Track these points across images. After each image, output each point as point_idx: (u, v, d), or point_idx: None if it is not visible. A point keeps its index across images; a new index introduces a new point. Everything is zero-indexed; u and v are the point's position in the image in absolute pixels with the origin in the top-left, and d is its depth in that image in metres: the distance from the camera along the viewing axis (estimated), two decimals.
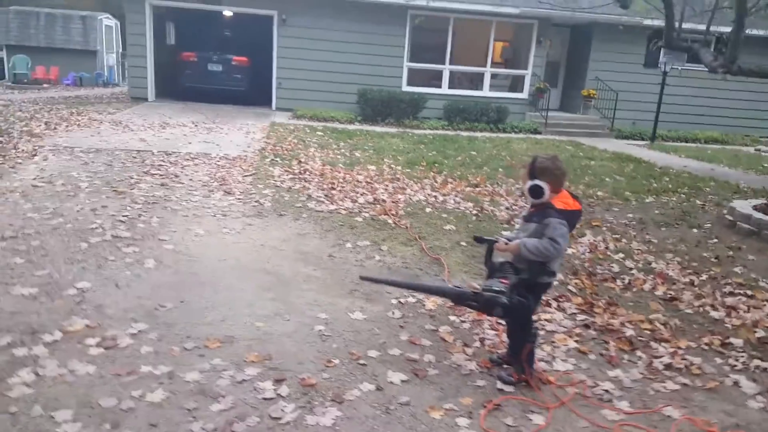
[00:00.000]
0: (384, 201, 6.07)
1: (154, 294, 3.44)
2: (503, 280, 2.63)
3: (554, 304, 3.77)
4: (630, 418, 2.56)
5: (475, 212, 5.96)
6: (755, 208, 6.08)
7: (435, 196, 6.49)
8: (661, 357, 3.14)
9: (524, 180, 2.68)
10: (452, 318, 3.43)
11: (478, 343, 3.16)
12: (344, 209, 5.64)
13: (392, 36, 14.15)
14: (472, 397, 2.63)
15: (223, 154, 8.13)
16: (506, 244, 2.73)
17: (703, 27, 6.78)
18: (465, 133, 12.83)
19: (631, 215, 6.42)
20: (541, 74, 15.25)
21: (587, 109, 15.75)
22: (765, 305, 4.00)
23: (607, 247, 5.07)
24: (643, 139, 14.70)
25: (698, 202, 7.37)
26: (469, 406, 2.56)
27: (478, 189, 7.06)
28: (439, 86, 14.81)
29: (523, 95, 15.18)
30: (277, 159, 8.04)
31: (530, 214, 2.71)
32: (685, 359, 3.14)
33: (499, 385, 2.73)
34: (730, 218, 6.03)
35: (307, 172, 7.25)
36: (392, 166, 8.19)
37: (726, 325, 3.66)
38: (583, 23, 15.18)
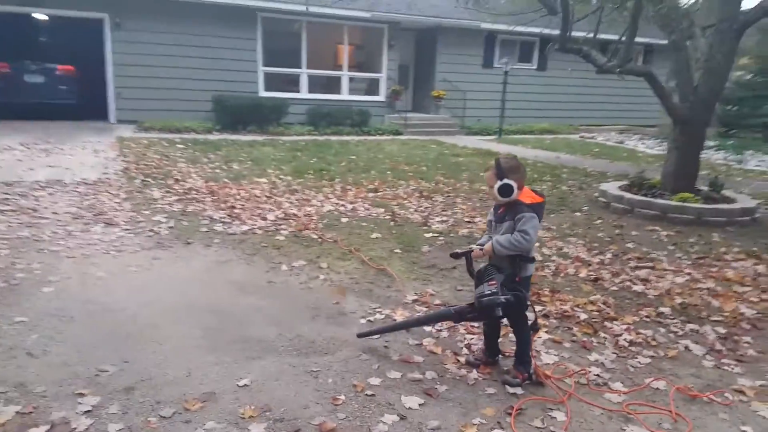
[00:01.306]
0: (296, 215, 5.80)
1: (84, 357, 2.88)
2: (491, 283, 2.68)
3: None
4: (629, 397, 2.76)
5: (387, 217, 5.98)
6: (621, 188, 6.99)
7: (343, 205, 6.38)
8: (620, 335, 3.44)
9: (491, 181, 2.75)
10: (427, 329, 3.39)
11: (465, 350, 3.16)
12: (259, 228, 5.28)
13: (244, 39, 13.60)
14: (491, 406, 2.62)
15: (79, 179, 7.11)
16: (481, 249, 2.80)
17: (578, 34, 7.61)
18: (334, 138, 12.82)
19: None
20: (394, 77, 15.82)
21: (438, 109, 16.73)
22: (667, 274, 4.61)
23: None
24: (488, 135, 16.03)
25: (564, 188, 8.24)
26: (494, 416, 2.55)
27: (379, 194, 7.09)
28: (299, 91, 14.60)
29: (380, 98, 15.62)
30: (149, 179, 7.26)
31: (501, 215, 2.80)
32: (639, 333, 3.48)
33: (509, 389, 2.77)
34: (604, 200, 6.85)
35: (193, 191, 6.65)
36: (280, 177, 7.87)
37: (649, 296, 4.13)
38: (428, 27, 16.05)
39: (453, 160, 10.53)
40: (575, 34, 6.96)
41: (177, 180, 7.22)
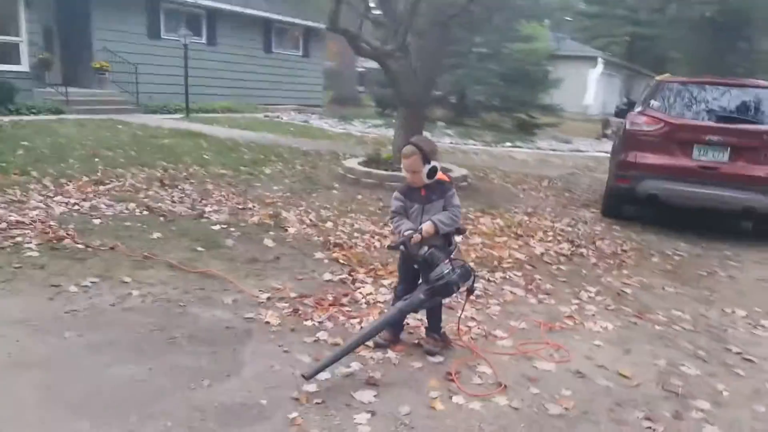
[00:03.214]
0: (21, 222, 4.55)
1: None
2: (445, 262, 2.86)
3: (348, 279, 4.07)
4: (513, 340, 3.32)
5: (146, 213, 5.25)
6: (361, 164, 7.76)
7: (76, 204, 5.27)
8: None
9: (417, 166, 2.88)
10: (307, 323, 3.29)
11: None
12: None
13: None
14: (431, 377, 2.80)
15: None
16: (419, 232, 2.93)
17: None
18: None
19: (276, 187, 6.99)
20: (39, 42, 13.27)
21: (102, 84, 14.84)
22: (474, 236, 5.43)
23: (311, 219, 5.54)
24: (171, 113, 15.13)
25: (299, 167, 8.58)
26: (441, 385, 2.73)
27: (110, 186, 6.08)
28: None
29: (24, 68, 12.91)
30: None
31: (426, 196, 2.97)
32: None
33: (433, 359, 2.99)
34: (352, 176, 7.49)
35: None
36: None
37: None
38: None
39: (157, 142, 9.65)
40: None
41: None
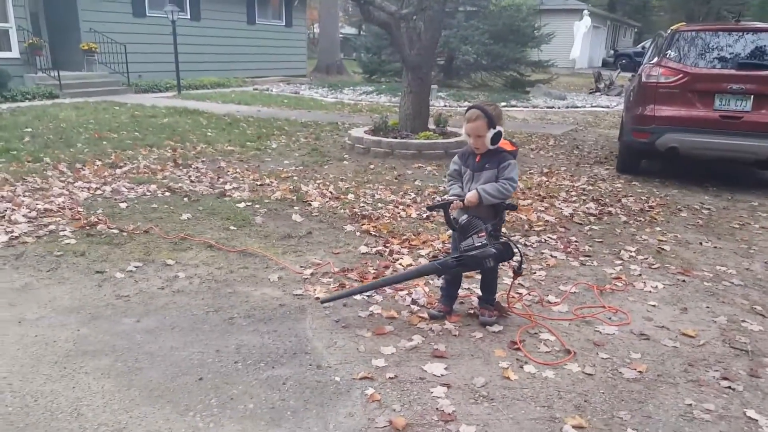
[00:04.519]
0: (49, 210, 4.41)
1: None
2: (480, 234, 2.77)
3: (385, 251, 3.98)
4: (567, 305, 3.26)
5: (168, 194, 5.12)
6: (367, 133, 7.60)
7: (99, 188, 5.13)
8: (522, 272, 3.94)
9: (482, 131, 2.76)
10: (357, 298, 3.21)
11: (415, 306, 3.15)
12: (25, 235, 3.86)
13: None
14: (496, 347, 2.75)
15: None
16: (461, 200, 2.84)
17: None
18: None
19: (287, 162, 6.85)
20: (28, 27, 12.77)
21: (92, 65, 14.39)
22: None
23: (331, 192, 5.42)
24: (162, 91, 14.76)
25: (302, 139, 8.41)
26: (508, 355, 2.68)
27: (126, 169, 5.91)
28: None
29: (14, 54, 12.47)
30: None
31: (479, 164, 2.86)
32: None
33: (493, 328, 2.93)
34: (362, 146, 7.34)
35: None
36: None
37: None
38: None
39: (157, 122, 9.40)
40: None
41: None
